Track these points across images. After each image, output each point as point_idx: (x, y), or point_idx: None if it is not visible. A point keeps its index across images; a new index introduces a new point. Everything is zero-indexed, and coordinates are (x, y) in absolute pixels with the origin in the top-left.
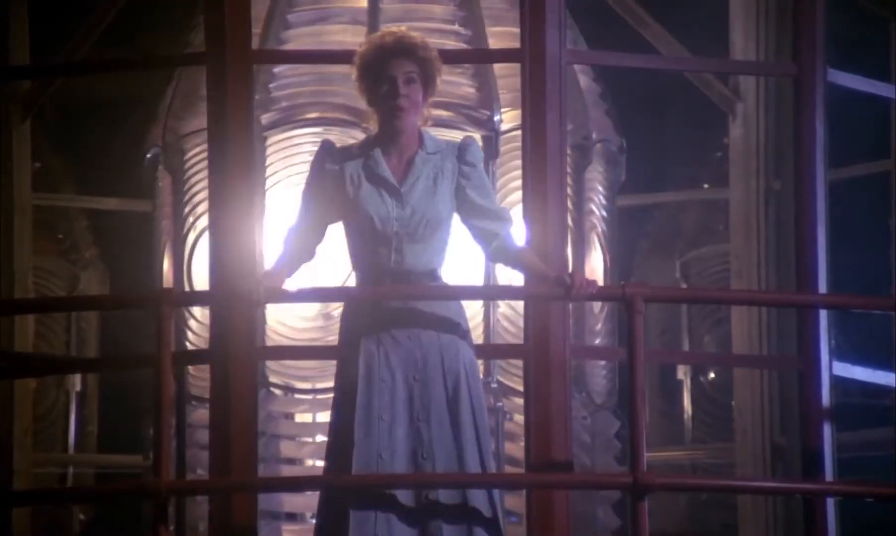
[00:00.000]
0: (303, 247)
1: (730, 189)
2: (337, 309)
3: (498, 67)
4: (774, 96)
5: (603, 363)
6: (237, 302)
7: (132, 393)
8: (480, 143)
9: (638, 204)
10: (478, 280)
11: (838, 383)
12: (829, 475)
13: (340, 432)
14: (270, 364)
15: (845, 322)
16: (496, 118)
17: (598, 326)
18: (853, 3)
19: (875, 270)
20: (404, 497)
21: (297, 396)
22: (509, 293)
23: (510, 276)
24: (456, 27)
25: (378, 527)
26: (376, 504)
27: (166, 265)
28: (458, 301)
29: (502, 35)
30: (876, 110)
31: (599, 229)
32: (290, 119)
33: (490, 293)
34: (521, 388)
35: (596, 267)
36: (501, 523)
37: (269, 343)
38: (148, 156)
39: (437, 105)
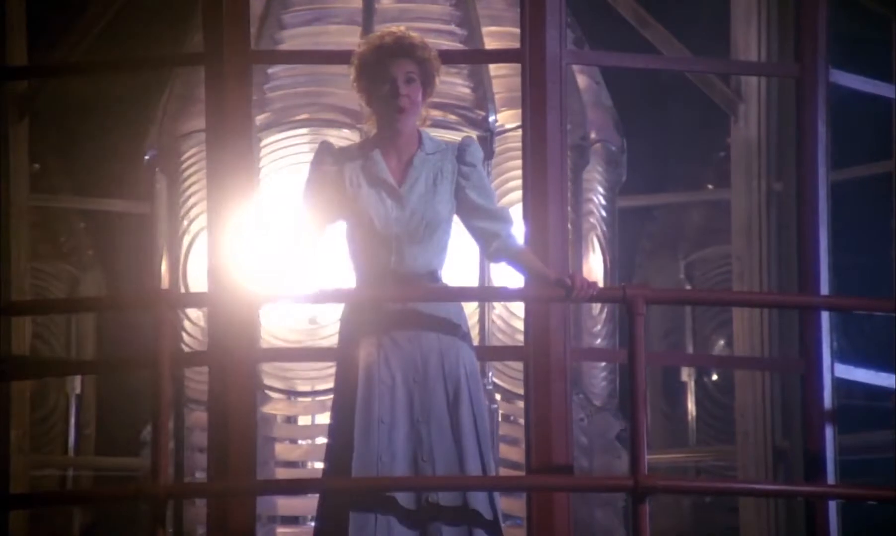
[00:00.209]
0: (302, 248)
1: (731, 190)
2: (323, 314)
3: (493, 67)
4: (776, 97)
5: (602, 364)
6: (236, 303)
7: (130, 396)
8: None
9: (641, 204)
10: (473, 281)
11: (840, 385)
12: (830, 477)
13: (340, 435)
14: (264, 366)
15: (847, 324)
16: (491, 118)
17: (598, 328)
18: (855, 3)
19: (877, 272)
20: (404, 500)
21: (292, 398)
22: (509, 294)
23: (506, 277)
24: (452, 27)
25: (378, 530)
26: (376, 507)
27: (164, 267)
28: (458, 302)
29: (500, 35)
30: (878, 110)
31: (599, 230)
32: (284, 120)
33: (490, 294)
34: (512, 388)
35: (595, 268)
36: (502, 526)
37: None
38: (146, 158)
39: (433, 105)
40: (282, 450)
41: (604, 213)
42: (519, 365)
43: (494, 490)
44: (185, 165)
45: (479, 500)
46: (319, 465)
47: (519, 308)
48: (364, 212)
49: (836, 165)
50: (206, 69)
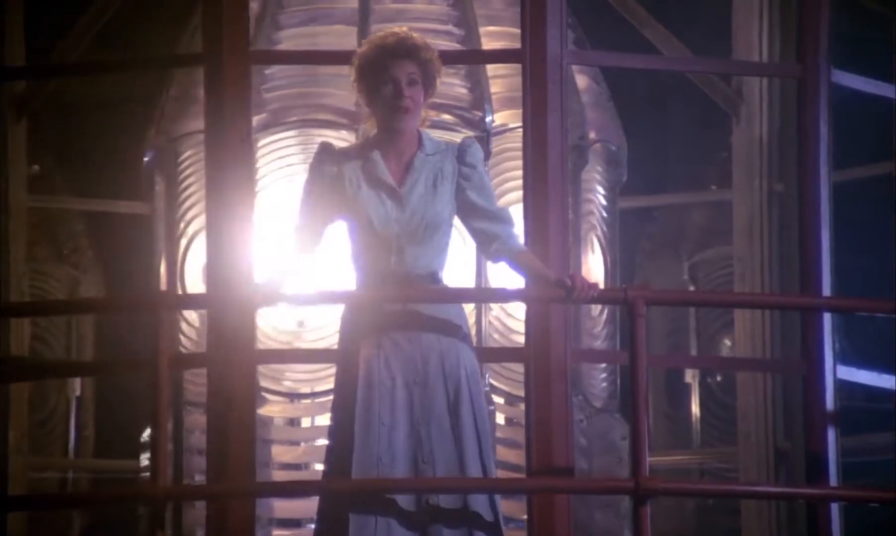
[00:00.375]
0: (301, 249)
1: (733, 191)
2: (311, 316)
3: (490, 67)
4: (778, 97)
5: (602, 365)
6: (235, 305)
7: (130, 398)
8: None
9: (644, 205)
10: (470, 282)
11: (842, 387)
12: (832, 479)
13: (340, 436)
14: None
15: (849, 325)
16: (488, 119)
17: (599, 329)
18: (857, 3)
19: (880, 273)
20: (404, 501)
21: (295, 401)
22: (510, 295)
23: (504, 277)
24: (449, 27)
25: (378, 532)
26: (376, 509)
27: (163, 268)
28: (458, 304)
29: (497, 35)
30: (880, 111)
31: (599, 230)
32: (279, 121)
33: (490, 295)
34: (508, 390)
35: (595, 268)
36: (503, 528)
37: None
38: (146, 159)
39: (429, 106)
40: (277, 452)
41: (604, 214)
42: (515, 367)
43: (495, 491)
44: (182, 166)
45: (479, 502)
46: (314, 467)
47: (515, 309)
48: (364, 213)
49: (838, 166)
50: (205, 70)
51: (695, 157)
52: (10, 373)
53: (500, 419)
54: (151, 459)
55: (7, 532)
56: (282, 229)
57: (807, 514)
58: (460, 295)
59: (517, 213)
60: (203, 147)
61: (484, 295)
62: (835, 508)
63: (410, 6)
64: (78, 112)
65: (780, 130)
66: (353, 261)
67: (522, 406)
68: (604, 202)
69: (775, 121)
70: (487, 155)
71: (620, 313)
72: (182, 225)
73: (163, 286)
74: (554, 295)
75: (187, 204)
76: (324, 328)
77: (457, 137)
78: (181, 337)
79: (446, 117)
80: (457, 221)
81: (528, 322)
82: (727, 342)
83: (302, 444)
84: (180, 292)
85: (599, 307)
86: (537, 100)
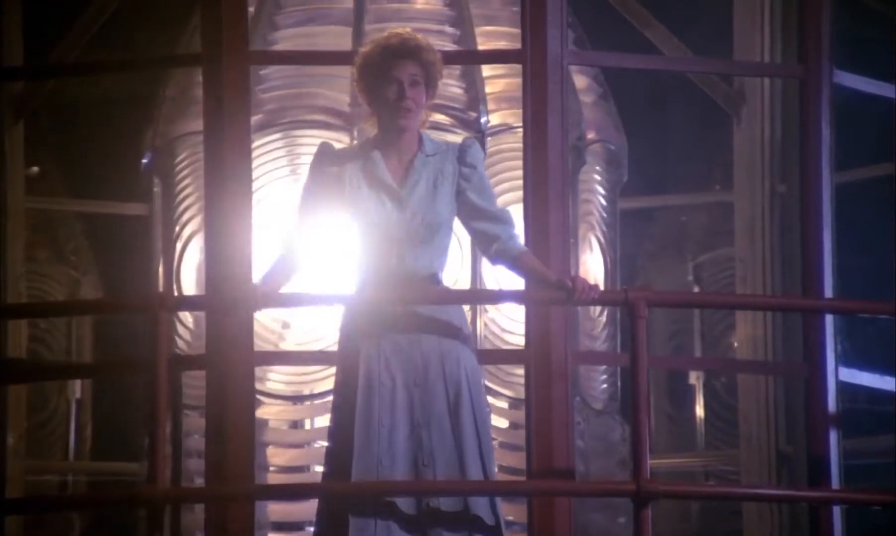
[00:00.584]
0: (300, 250)
1: (734, 192)
2: (294, 317)
3: (485, 67)
4: (780, 98)
5: (602, 367)
6: (234, 306)
7: (129, 400)
8: None
9: (648, 206)
10: (465, 283)
11: (844, 389)
12: (834, 482)
13: (340, 437)
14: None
15: (852, 327)
16: (483, 119)
17: (598, 330)
18: (859, 3)
19: (882, 274)
20: (405, 504)
21: (280, 402)
22: (510, 297)
23: (499, 279)
24: (445, 27)
25: (378, 534)
26: (376, 511)
27: (160, 270)
28: (459, 305)
29: (494, 34)
30: (881, 111)
31: (599, 231)
32: (275, 121)
33: (491, 297)
34: (503, 391)
35: (595, 269)
36: (503, 531)
37: None
38: (144, 161)
39: (427, 106)
40: (272, 454)
41: (604, 214)
42: (510, 368)
43: (495, 494)
44: (178, 167)
45: (480, 505)
46: (311, 470)
47: (511, 310)
48: (364, 214)
49: (840, 167)
50: (203, 70)
51: (696, 158)
52: (7, 375)
53: (501, 423)
54: (150, 461)
55: (5, 535)
56: (278, 230)
57: (809, 517)
58: (461, 297)
59: (515, 214)
60: (199, 148)
61: (484, 296)
62: (837, 511)
63: (406, 6)
64: (77, 112)
65: (782, 131)
66: (354, 262)
67: (505, 405)
68: (603, 202)
69: (777, 122)
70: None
71: (621, 314)
72: (178, 227)
73: (161, 288)
74: (554, 296)
75: (183, 205)
76: (309, 330)
77: (451, 137)
78: (177, 338)
79: (441, 117)
80: (456, 222)
81: (528, 323)
82: (735, 343)
83: (295, 449)
84: (177, 294)
85: (599, 308)
86: (537, 101)
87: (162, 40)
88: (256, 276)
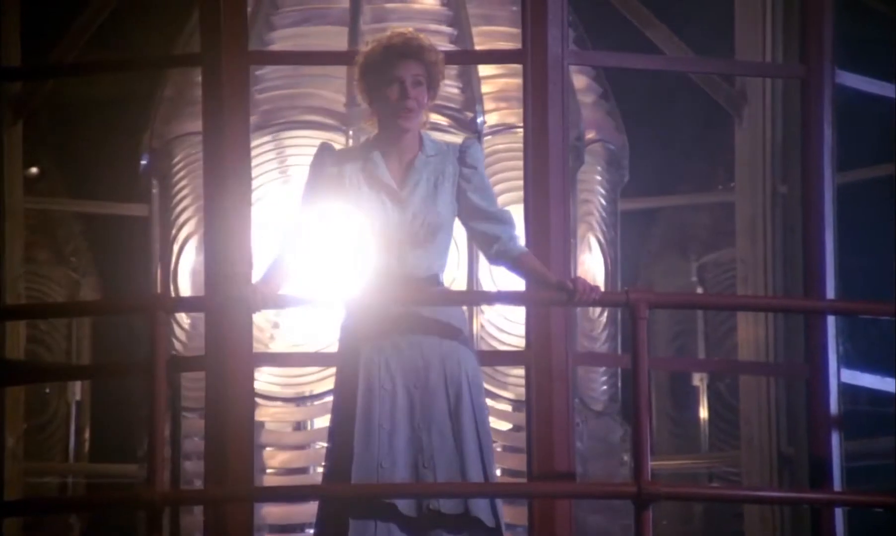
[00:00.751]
0: (300, 251)
1: (736, 192)
2: (284, 318)
3: (482, 67)
4: (781, 98)
5: (602, 368)
6: (233, 307)
7: (128, 401)
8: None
9: (646, 207)
10: (461, 284)
11: (846, 390)
12: (836, 484)
13: (340, 439)
14: None
15: (854, 328)
16: (479, 119)
17: (598, 331)
18: (861, 4)
19: (885, 275)
20: (405, 506)
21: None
22: (511, 298)
23: (496, 280)
24: (441, 27)
25: None
26: (376, 514)
27: (158, 271)
28: (460, 307)
29: (491, 34)
30: (882, 112)
31: (599, 231)
32: (270, 122)
33: (491, 298)
34: (499, 393)
35: (594, 270)
36: (504, 533)
37: None
38: (143, 162)
39: (428, 107)
40: (268, 456)
41: (604, 215)
42: (506, 369)
43: (496, 496)
44: (175, 168)
45: (480, 508)
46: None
47: (507, 311)
48: (364, 215)
49: (841, 167)
50: (203, 70)
51: (698, 159)
52: (5, 377)
53: (500, 425)
54: (148, 463)
55: None
56: (275, 231)
57: (811, 519)
58: (461, 298)
59: (513, 213)
60: (196, 149)
61: (484, 298)
62: (839, 513)
63: (403, 5)
64: (75, 113)
65: (784, 131)
66: (354, 263)
67: (509, 409)
68: (603, 203)
69: (778, 122)
70: None
71: (622, 315)
72: (175, 228)
73: (158, 289)
74: (555, 298)
75: (180, 207)
76: (298, 330)
77: (446, 137)
78: (173, 340)
79: (437, 117)
80: (456, 222)
81: (528, 325)
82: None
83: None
84: (174, 295)
85: (598, 309)
86: (538, 101)
87: (160, 40)
88: (255, 277)
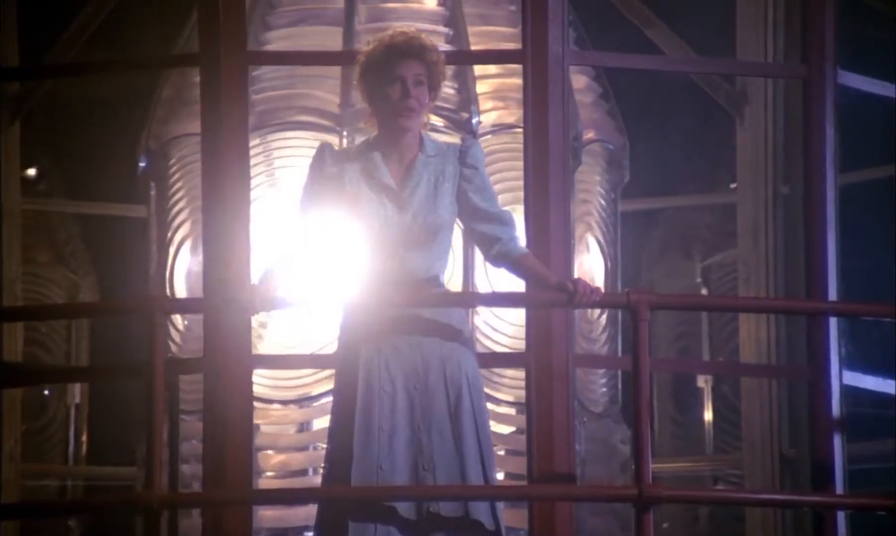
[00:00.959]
0: (299, 252)
1: (737, 193)
2: (274, 319)
3: (477, 68)
4: (783, 98)
5: (601, 370)
6: (231, 309)
7: (127, 403)
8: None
9: (654, 207)
10: (457, 285)
11: (849, 392)
12: (839, 487)
13: (339, 441)
14: None
15: (856, 330)
16: (474, 120)
17: (597, 332)
18: (863, 3)
19: (887, 276)
20: (405, 509)
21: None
22: (511, 299)
23: (490, 281)
24: (437, 27)
25: None
26: (376, 516)
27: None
28: (460, 308)
29: (487, 34)
30: (883, 112)
31: (598, 231)
32: (266, 123)
33: (490, 300)
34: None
35: (593, 270)
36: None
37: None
38: (141, 164)
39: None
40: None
41: (603, 215)
42: (501, 371)
43: (496, 499)
44: (172, 169)
45: (480, 510)
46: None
47: (503, 311)
48: (364, 216)
49: (846, 168)
50: (201, 70)
51: (699, 159)
52: (2, 379)
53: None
54: (146, 465)
55: None
56: (285, 230)
57: (813, 522)
58: (462, 299)
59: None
60: (191, 150)
61: (484, 299)
62: (841, 516)
63: (399, 5)
64: (73, 113)
65: (785, 132)
66: (353, 265)
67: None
68: (603, 203)
69: (780, 123)
70: None
71: (622, 316)
72: (171, 230)
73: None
74: (556, 299)
75: (176, 208)
76: (287, 330)
77: (442, 138)
78: (168, 341)
79: (432, 118)
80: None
81: (528, 326)
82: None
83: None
84: (168, 295)
85: (598, 310)
86: (538, 101)
87: (159, 40)
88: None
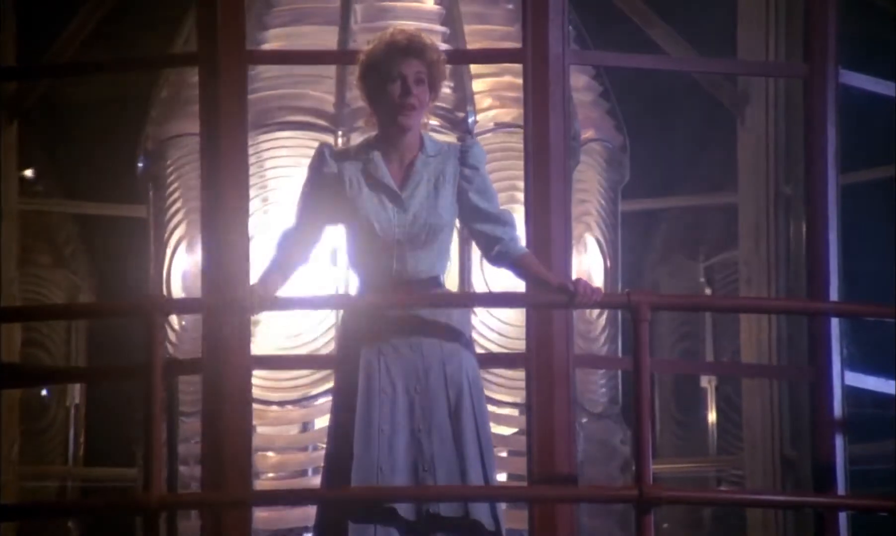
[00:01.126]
0: (298, 252)
1: (738, 193)
2: (265, 320)
3: (474, 67)
4: (784, 98)
5: (600, 370)
6: (230, 310)
7: (126, 404)
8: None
9: (653, 208)
10: (453, 286)
11: (850, 393)
12: (840, 488)
13: (339, 442)
14: None
15: (858, 330)
16: (471, 119)
17: (597, 333)
18: (865, 2)
19: (887, 277)
20: (405, 510)
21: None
22: (511, 300)
23: (487, 282)
24: (434, 26)
25: None
26: (376, 517)
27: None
28: (460, 309)
29: (484, 33)
30: (884, 113)
31: (598, 231)
32: (262, 123)
33: (491, 300)
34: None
35: (592, 271)
36: None
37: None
38: (140, 165)
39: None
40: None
41: (603, 215)
42: (499, 371)
43: (496, 500)
44: (169, 170)
45: (481, 511)
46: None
47: (502, 313)
48: (364, 217)
49: (848, 168)
50: (200, 70)
51: (701, 160)
52: (0, 380)
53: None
54: (145, 466)
55: None
56: (284, 230)
57: (814, 523)
58: (461, 300)
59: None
60: (188, 150)
61: (484, 299)
62: (842, 517)
63: (396, 3)
64: (71, 113)
65: (787, 132)
66: (353, 265)
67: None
68: (603, 202)
69: (781, 123)
70: None
71: (622, 316)
72: (168, 231)
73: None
74: (556, 300)
75: (173, 209)
76: (280, 329)
77: (439, 137)
78: (165, 342)
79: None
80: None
81: (529, 327)
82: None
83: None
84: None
85: (597, 310)
86: (538, 101)
87: (157, 40)
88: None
